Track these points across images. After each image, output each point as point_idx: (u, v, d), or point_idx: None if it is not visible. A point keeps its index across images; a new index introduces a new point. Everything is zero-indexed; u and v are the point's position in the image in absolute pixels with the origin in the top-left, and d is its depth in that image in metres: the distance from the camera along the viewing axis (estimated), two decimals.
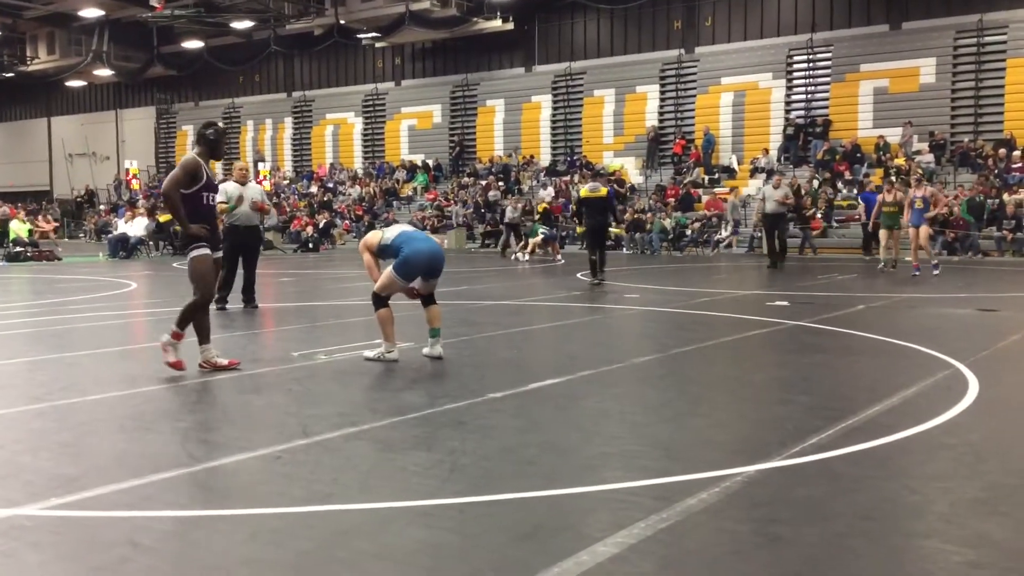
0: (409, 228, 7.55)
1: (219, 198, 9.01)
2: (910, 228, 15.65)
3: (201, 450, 4.60)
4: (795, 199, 21.89)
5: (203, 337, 6.87)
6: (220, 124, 7.05)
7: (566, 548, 3.17)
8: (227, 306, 11.15)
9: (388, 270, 7.18)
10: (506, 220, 24.91)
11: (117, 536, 3.39)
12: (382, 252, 7.27)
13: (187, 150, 41.65)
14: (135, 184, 39.44)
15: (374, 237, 7.38)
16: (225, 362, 6.89)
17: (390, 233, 7.31)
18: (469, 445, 4.66)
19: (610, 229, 15.30)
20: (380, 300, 7.20)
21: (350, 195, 34.52)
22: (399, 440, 4.85)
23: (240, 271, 11.31)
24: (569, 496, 3.84)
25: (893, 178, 21.80)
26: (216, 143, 6.89)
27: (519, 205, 25.25)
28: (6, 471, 4.26)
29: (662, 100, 30.77)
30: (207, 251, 6.79)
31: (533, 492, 3.85)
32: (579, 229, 21.90)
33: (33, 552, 3.26)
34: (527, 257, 22.70)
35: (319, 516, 3.58)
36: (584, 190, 15.39)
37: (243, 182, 11.22)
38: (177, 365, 6.66)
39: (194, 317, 6.80)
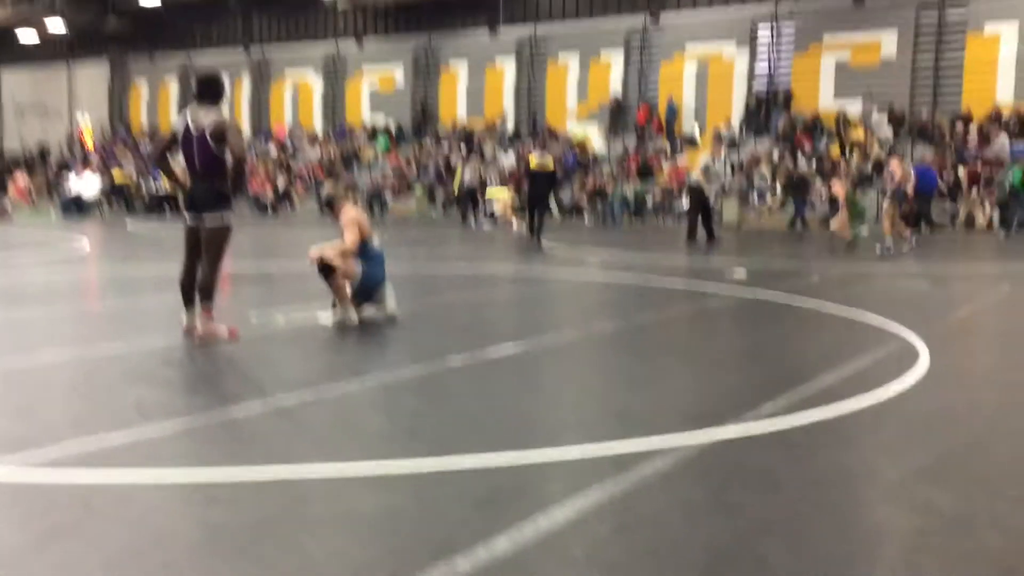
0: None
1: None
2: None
3: (156, 413, 4.55)
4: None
5: (190, 301, 6.58)
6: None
7: (524, 513, 3.20)
8: None
9: (357, 265, 7.19)
10: (465, 186, 24.84)
11: (70, 499, 3.35)
12: (361, 247, 7.29)
13: (141, 105, 41.23)
14: (88, 141, 38.50)
15: (368, 224, 7.38)
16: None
17: (374, 243, 7.38)
18: (428, 411, 4.67)
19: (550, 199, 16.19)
20: (329, 269, 7.10)
21: (309, 157, 34.09)
22: (357, 405, 4.83)
23: None
24: (527, 462, 3.86)
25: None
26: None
27: (478, 170, 25.18)
28: None
29: (627, 67, 30.68)
30: (231, 218, 6.61)
31: (492, 458, 3.87)
32: (509, 193, 22.11)
33: None
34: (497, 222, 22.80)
35: (277, 481, 3.57)
36: (532, 161, 15.95)
37: None
38: (233, 331, 6.49)
39: (216, 285, 6.54)
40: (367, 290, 7.31)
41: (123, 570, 2.79)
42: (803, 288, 10.12)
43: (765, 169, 24.43)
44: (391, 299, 7.39)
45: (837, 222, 15.67)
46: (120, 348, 6.23)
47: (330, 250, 7.16)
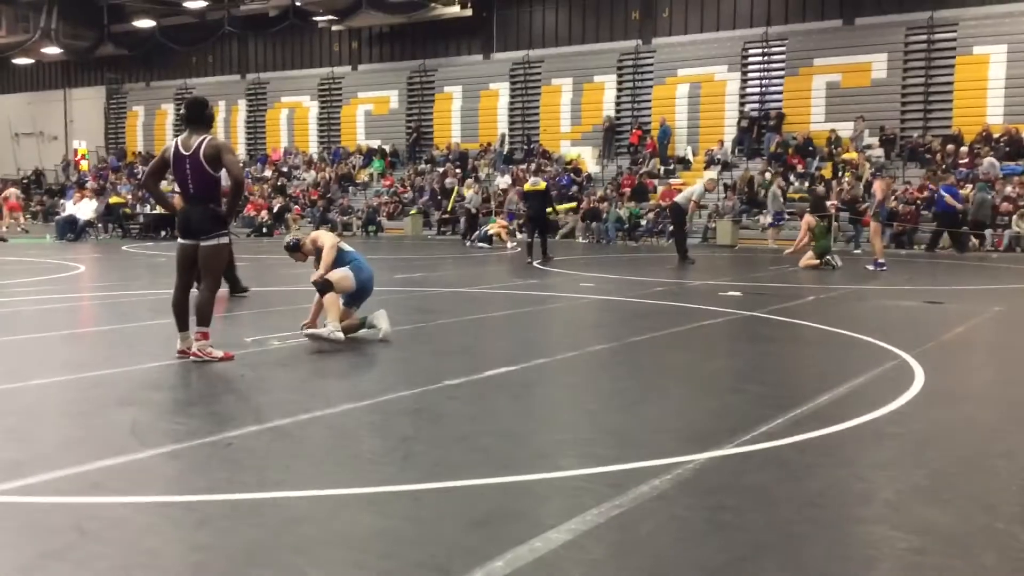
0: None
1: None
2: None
3: (150, 436, 4.53)
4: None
5: (184, 324, 6.61)
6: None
7: (520, 535, 3.19)
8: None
9: (349, 273, 7.46)
10: (466, 207, 24.92)
11: (64, 523, 3.33)
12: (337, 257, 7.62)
13: (136, 130, 41.28)
14: (83, 165, 38.52)
15: (335, 239, 7.72)
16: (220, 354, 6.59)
17: (345, 246, 7.71)
18: (423, 432, 4.66)
19: (549, 216, 18.03)
20: (328, 286, 7.33)
21: (305, 180, 34.16)
22: (352, 427, 4.82)
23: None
24: (523, 483, 3.85)
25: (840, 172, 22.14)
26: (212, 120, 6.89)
27: (478, 192, 25.28)
28: None
29: (619, 90, 30.87)
30: (228, 240, 6.72)
31: (487, 479, 3.86)
32: (500, 224, 24.20)
33: None
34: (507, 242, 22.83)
35: (270, 503, 3.56)
36: (526, 185, 18.20)
37: None
38: (227, 356, 6.51)
39: (213, 307, 6.59)
40: (361, 289, 7.61)
41: None
42: (798, 308, 10.13)
43: (778, 189, 24.17)
44: (384, 320, 7.48)
45: (803, 259, 16.19)
46: (114, 371, 6.22)
47: (323, 269, 7.43)
